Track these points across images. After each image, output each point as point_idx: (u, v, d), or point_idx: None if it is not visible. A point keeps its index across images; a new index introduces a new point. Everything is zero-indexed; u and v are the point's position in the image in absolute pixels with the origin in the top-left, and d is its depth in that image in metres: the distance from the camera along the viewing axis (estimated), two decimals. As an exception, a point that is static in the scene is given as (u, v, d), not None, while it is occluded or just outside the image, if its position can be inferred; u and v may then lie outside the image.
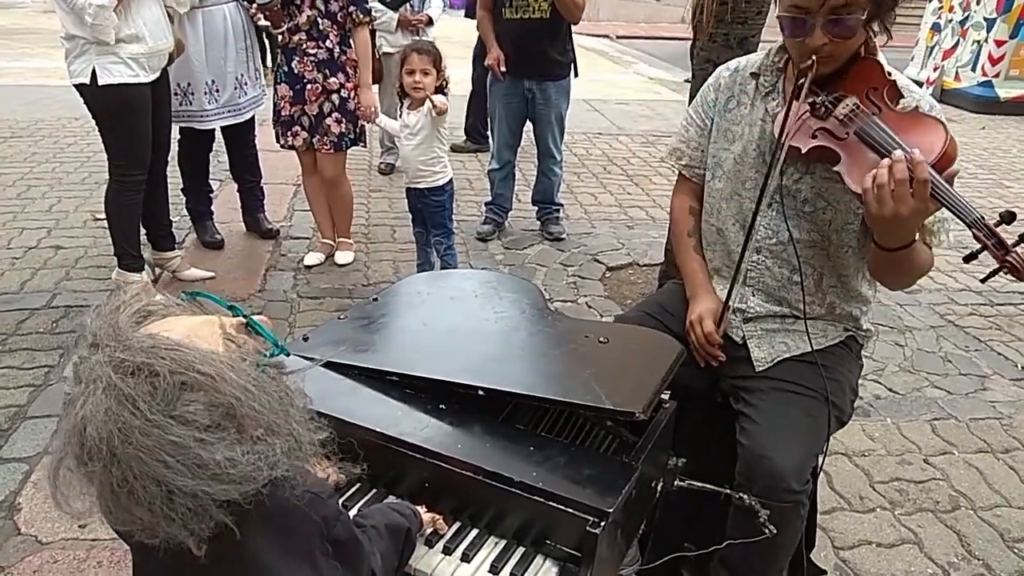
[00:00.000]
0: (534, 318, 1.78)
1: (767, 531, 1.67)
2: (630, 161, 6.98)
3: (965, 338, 4.09)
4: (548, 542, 1.37)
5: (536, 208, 5.13)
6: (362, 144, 4.26)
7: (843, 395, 1.92)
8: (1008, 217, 1.49)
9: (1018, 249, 1.46)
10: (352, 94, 4.02)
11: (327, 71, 3.94)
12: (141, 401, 0.83)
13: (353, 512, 1.40)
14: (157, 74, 3.63)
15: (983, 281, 1.62)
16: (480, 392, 1.51)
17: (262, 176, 4.81)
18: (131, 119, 3.58)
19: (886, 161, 1.50)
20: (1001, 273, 1.50)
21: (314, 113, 4.00)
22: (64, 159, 6.14)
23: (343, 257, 4.49)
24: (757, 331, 1.96)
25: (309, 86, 3.94)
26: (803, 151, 1.70)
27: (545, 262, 4.73)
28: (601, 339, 1.65)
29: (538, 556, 1.38)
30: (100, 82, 3.43)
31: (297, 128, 4.05)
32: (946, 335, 4.11)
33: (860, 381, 3.53)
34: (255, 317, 1.05)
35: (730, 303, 1.90)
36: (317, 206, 4.45)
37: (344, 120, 4.03)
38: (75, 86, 3.52)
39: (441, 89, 3.62)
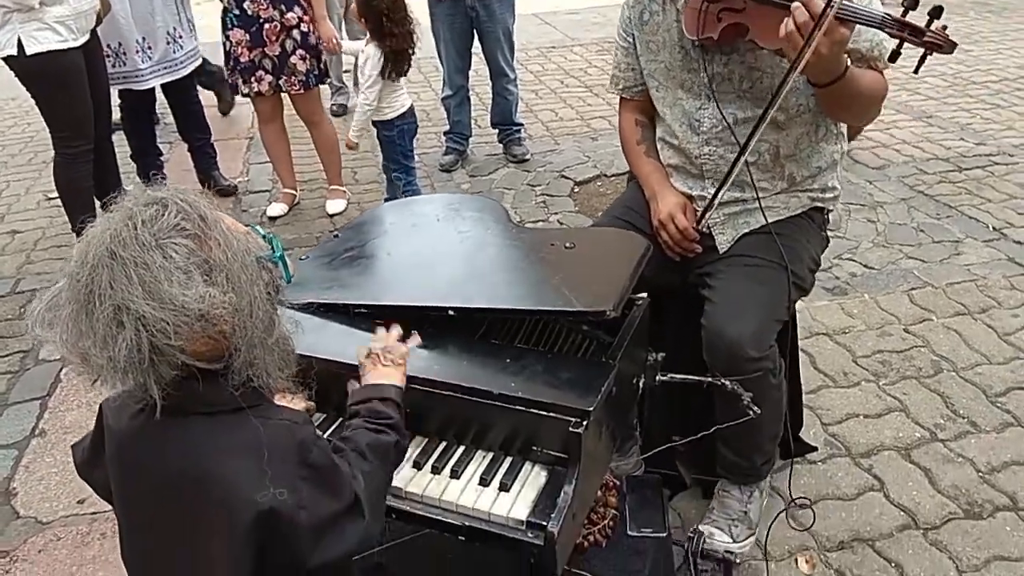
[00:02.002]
0: (499, 234, 1.75)
1: (751, 412, 1.69)
2: (587, 72, 6.84)
3: (936, 206, 4.10)
4: (535, 448, 1.37)
5: (497, 131, 5.03)
6: (327, 82, 4.11)
7: (800, 263, 1.94)
8: (911, 3, 1.52)
9: (932, 28, 1.51)
10: (311, 28, 3.84)
11: (283, 6, 3.72)
12: (140, 222, 0.94)
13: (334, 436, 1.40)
14: (86, 37, 3.46)
15: (915, 71, 1.66)
16: (451, 313, 1.49)
17: (211, 133, 4.67)
18: (66, 87, 3.43)
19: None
20: (930, 54, 1.55)
21: (276, 53, 3.79)
22: (6, 142, 5.93)
23: (335, 206, 4.31)
24: (720, 217, 1.96)
25: (267, 25, 3.73)
26: (716, 37, 1.74)
27: (512, 185, 4.66)
28: (567, 245, 1.63)
29: (526, 463, 1.38)
30: (28, 51, 3.27)
31: (260, 72, 3.84)
32: (917, 205, 4.12)
33: (836, 260, 3.61)
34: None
35: (715, 201, 1.88)
36: (277, 155, 4.31)
37: (308, 56, 3.85)
38: (2, 59, 3.36)
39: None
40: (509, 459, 1.39)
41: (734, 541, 2.08)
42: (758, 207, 1.92)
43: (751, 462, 2.11)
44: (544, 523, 1.25)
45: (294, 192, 4.44)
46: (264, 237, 1.11)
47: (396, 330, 1.41)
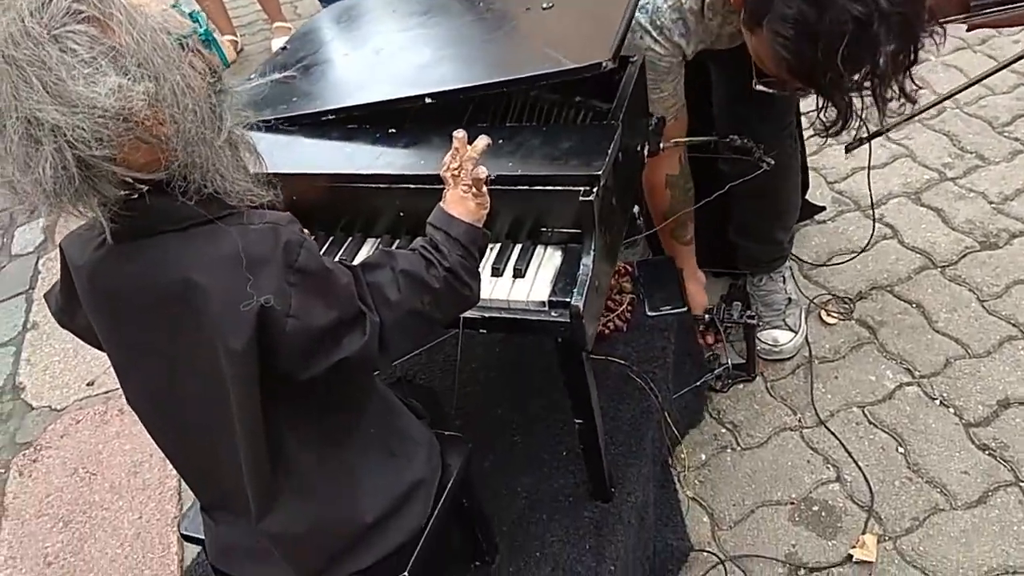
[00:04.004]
0: (464, 10, 1.56)
1: (765, 164, 1.58)
2: None
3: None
4: (544, 229, 1.27)
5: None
6: None
7: None
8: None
9: None
10: None
11: None
12: (28, 13, 0.80)
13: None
14: None
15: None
16: (428, 100, 1.33)
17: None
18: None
19: None
20: None
21: None
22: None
23: (280, 44, 4.05)
24: None
25: None
26: None
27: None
28: (544, 6, 1.44)
29: (538, 247, 1.28)
30: None
31: None
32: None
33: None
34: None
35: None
36: (208, 2, 3.96)
37: None
38: None
39: None
40: (519, 246, 1.29)
41: (795, 332, 2.06)
42: None
43: (776, 242, 2.05)
44: (567, 299, 1.17)
45: (235, 38, 4.12)
46: (190, 15, 0.94)
47: (460, 135, 1.11)
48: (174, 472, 2.14)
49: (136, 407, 1.07)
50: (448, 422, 1.47)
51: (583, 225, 1.20)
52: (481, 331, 1.24)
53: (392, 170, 1.30)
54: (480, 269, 1.11)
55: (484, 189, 1.09)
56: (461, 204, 1.09)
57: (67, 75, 0.79)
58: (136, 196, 0.87)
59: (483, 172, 1.08)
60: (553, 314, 1.18)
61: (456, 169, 1.10)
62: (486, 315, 1.22)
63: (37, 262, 3.04)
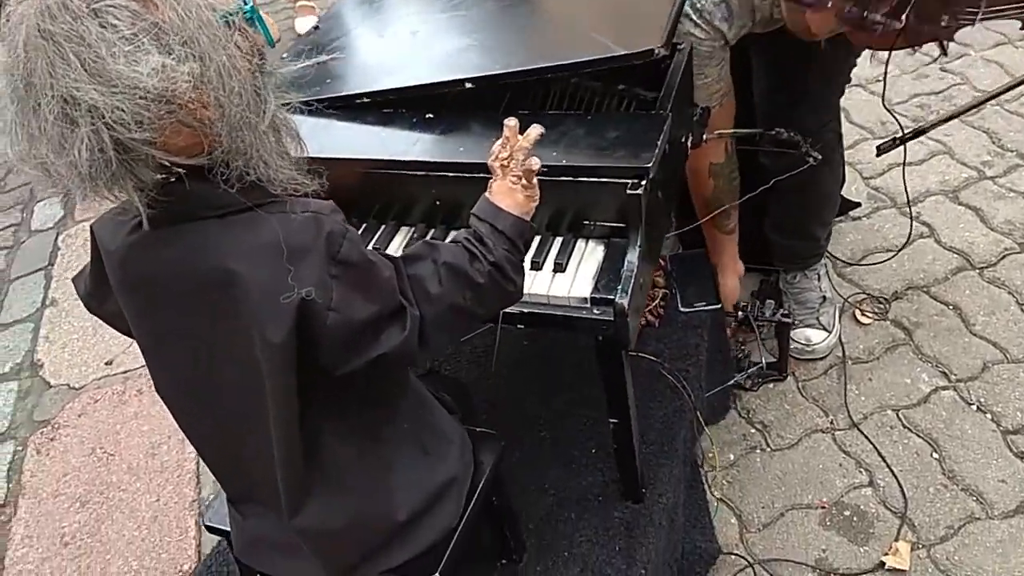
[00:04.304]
0: (504, -7, 1.51)
1: (812, 159, 1.53)
2: None
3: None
4: (586, 223, 1.22)
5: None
6: None
7: None
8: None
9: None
10: None
11: None
12: None
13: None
14: None
15: None
16: (468, 85, 1.29)
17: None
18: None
19: None
20: None
21: None
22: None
23: (305, 23, 3.96)
24: None
25: None
26: None
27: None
28: (588, -11, 1.39)
29: (578, 241, 1.24)
30: None
31: None
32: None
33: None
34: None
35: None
36: (228, -20, 3.91)
37: None
38: None
39: None
40: (559, 239, 1.25)
41: (829, 331, 2.01)
42: None
43: (814, 238, 1.99)
44: (611, 296, 1.13)
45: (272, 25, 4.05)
46: None
47: (512, 123, 1.05)
48: (193, 455, 2.12)
49: (165, 395, 1.04)
50: (477, 416, 1.44)
51: (629, 219, 1.16)
52: (518, 326, 1.20)
53: (430, 157, 1.26)
54: None
55: (535, 181, 1.04)
56: (509, 196, 1.04)
57: (107, 52, 0.74)
58: (173, 180, 0.83)
59: (536, 163, 1.03)
60: (596, 311, 1.14)
61: (506, 159, 1.05)
62: (524, 310, 1.18)
63: (57, 238, 3.02)
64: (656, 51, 1.14)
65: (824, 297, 2.06)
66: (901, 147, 1.65)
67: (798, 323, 2.01)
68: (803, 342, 2.01)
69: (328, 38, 1.59)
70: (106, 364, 2.45)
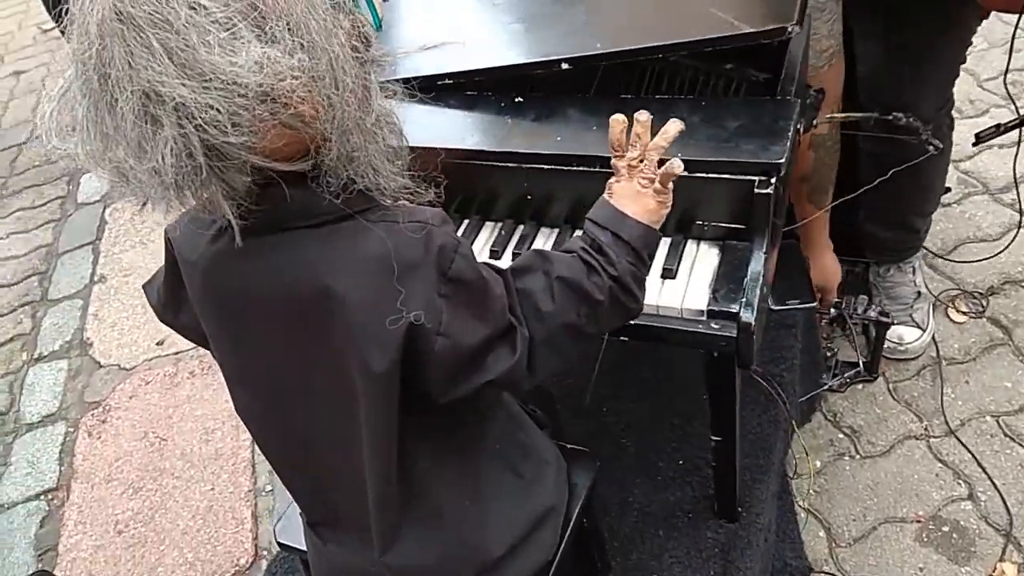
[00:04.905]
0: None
1: (932, 147, 1.38)
2: None
3: None
4: (699, 223, 1.10)
5: None
6: None
7: None
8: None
9: None
10: None
11: None
12: None
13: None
14: None
15: None
16: (565, 67, 1.16)
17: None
18: None
19: None
20: None
21: None
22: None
23: None
24: None
25: None
26: None
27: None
28: (698, -42, 1.25)
29: (689, 243, 1.12)
30: None
31: None
32: None
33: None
34: None
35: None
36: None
37: None
38: None
39: None
40: (667, 241, 1.12)
41: (923, 329, 1.87)
42: None
43: (913, 230, 1.85)
44: (733, 309, 1.00)
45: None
46: None
47: (644, 118, 0.93)
48: (248, 442, 2.05)
49: (246, 413, 0.94)
50: (564, 431, 1.33)
51: (753, 221, 1.03)
52: (622, 339, 1.08)
53: (521, 148, 1.14)
54: None
55: (671, 186, 0.91)
56: (637, 201, 0.91)
57: (198, 40, 0.63)
58: (266, 185, 0.72)
59: (679, 166, 0.89)
60: (714, 326, 1.01)
61: (636, 158, 0.92)
62: (631, 322, 1.06)
63: (104, 211, 2.95)
64: (788, 30, 1.00)
65: (919, 292, 1.91)
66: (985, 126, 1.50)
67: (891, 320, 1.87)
68: (895, 341, 1.87)
69: (398, 13, 1.46)
70: (157, 344, 2.39)
